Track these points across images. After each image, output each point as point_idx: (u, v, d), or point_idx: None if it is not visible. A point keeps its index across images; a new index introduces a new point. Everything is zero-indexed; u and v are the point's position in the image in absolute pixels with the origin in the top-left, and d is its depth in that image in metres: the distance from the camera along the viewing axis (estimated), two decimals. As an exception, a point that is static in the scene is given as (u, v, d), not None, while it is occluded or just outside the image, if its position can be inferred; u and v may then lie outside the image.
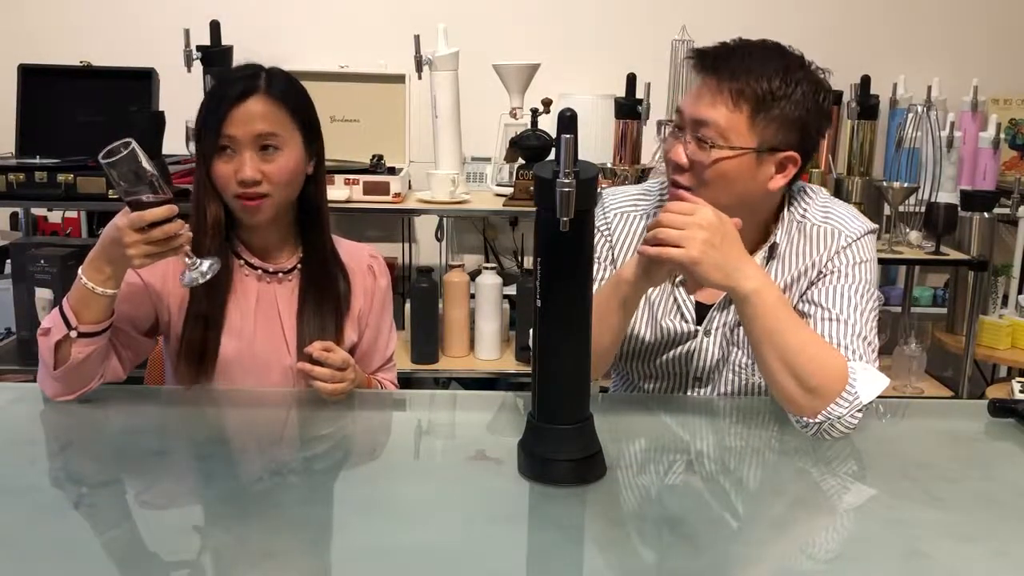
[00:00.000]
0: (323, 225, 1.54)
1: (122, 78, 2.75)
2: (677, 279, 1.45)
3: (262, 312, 1.50)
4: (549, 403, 1.14)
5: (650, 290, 1.44)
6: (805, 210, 1.45)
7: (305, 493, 1.13)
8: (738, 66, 1.31)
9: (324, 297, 1.52)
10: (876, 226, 1.47)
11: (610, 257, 1.51)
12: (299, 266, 1.53)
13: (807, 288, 1.42)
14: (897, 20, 3.34)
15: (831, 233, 1.42)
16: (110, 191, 2.44)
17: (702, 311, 1.48)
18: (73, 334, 1.32)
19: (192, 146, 2.59)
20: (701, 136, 1.33)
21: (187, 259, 1.31)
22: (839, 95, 2.99)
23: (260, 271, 1.51)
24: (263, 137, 1.41)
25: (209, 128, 1.42)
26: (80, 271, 1.33)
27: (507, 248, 3.38)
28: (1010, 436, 1.35)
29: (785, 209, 1.45)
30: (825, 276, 1.41)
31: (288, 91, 1.46)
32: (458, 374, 2.76)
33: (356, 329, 1.57)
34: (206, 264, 1.32)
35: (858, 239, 1.42)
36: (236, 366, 1.48)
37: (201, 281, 1.32)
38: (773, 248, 1.44)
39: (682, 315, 1.48)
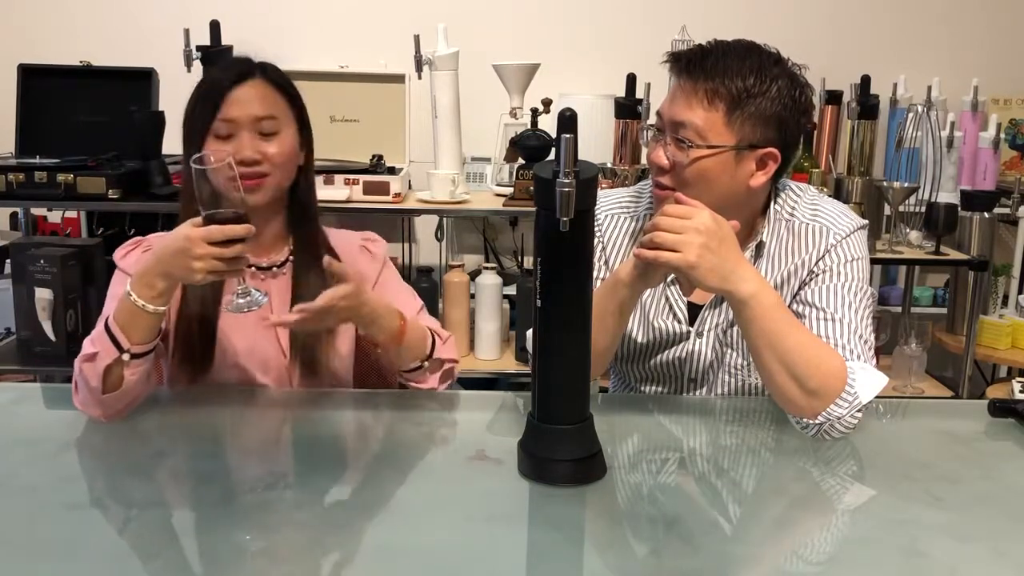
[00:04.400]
0: (313, 217, 1.54)
1: (122, 78, 2.75)
2: (669, 279, 1.45)
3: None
4: (549, 403, 1.14)
5: None
6: (793, 208, 1.45)
7: (304, 493, 1.13)
8: (712, 67, 1.32)
9: (316, 289, 1.48)
10: (866, 222, 1.47)
11: (603, 258, 1.51)
12: (290, 259, 1.53)
13: (799, 288, 1.42)
14: (897, 20, 3.35)
15: (820, 231, 1.42)
16: (110, 191, 2.44)
17: (694, 311, 1.48)
18: (126, 356, 1.27)
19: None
20: (680, 137, 1.34)
21: (240, 285, 1.29)
22: (839, 95, 3.00)
23: (252, 267, 1.50)
24: (262, 119, 1.42)
25: (204, 113, 1.41)
26: (128, 287, 1.27)
27: (507, 248, 3.39)
28: (1010, 436, 1.35)
29: (771, 207, 1.45)
30: (817, 275, 1.40)
31: (283, 78, 1.48)
32: (458, 374, 2.75)
33: None
34: (260, 294, 1.30)
35: (848, 236, 1.42)
36: (232, 363, 1.48)
37: (246, 311, 1.30)
38: (760, 247, 1.44)
39: (674, 315, 1.48)
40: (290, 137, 1.46)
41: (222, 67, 1.47)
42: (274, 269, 1.52)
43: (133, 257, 1.49)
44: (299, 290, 1.50)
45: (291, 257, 1.53)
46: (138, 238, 1.53)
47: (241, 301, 1.30)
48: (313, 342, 1.49)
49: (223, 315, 1.47)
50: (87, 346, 1.30)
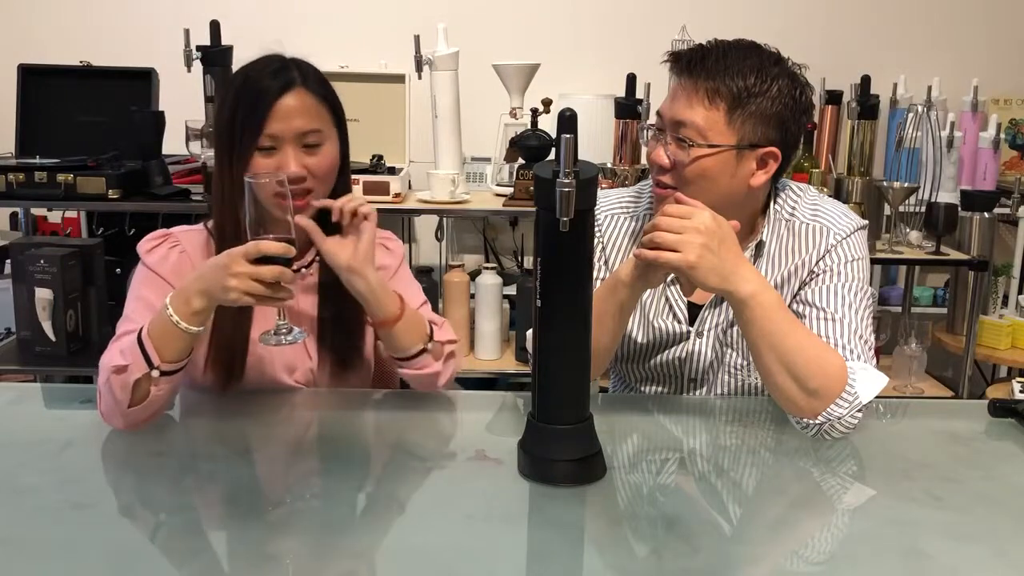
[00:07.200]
0: None
1: (122, 78, 2.75)
2: (669, 279, 1.45)
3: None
4: (549, 403, 1.14)
5: None
6: (793, 208, 1.45)
7: (305, 493, 1.13)
8: (713, 66, 1.32)
9: (343, 291, 1.44)
10: (866, 222, 1.47)
11: (603, 258, 1.51)
12: (318, 259, 1.49)
13: (799, 288, 1.42)
14: (897, 20, 3.35)
15: (821, 231, 1.42)
16: (110, 191, 2.44)
17: (694, 311, 1.48)
18: (155, 373, 1.24)
19: (192, 146, 2.60)
20: (681, 136, 1.34)
21: (279, 318, 1.26)
22: (839, 95, 3.00)
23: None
24: (306, 134, 1.38)
25: (248, 127, 1.35)
26: (167, 300, 1.24)
27: (507, 248, 3.39)
28: (1010, 436, 1.35)
29: (771, 207, 1.45)
30: (817, 275, 1.40)
31: (323, 83, 1.43)
32: (458, 374, 2.74)
33: None
34: (296, 331, 1.27)
35: (848, 236, 1.42)
36: (263, 368, 1.46)
37: (284, 343, 1.27)
38: (760, 246, 1.44)
39: (674, 315, 1.48)
40: (333, 146, 1.42)
41: (262, 72, 1.39)
42: (302, 270, 1.50)
43: (160, 253, 1.43)
44: (325, 291, 1.48)
45: (319, 258, 1.49)
46: (164, 231, 1.46)
47: (278, 336, 1.26)
48: (339, 343, 1.47)
49: (254, 323, 1.43)
50: (117, 357, 1.26)
